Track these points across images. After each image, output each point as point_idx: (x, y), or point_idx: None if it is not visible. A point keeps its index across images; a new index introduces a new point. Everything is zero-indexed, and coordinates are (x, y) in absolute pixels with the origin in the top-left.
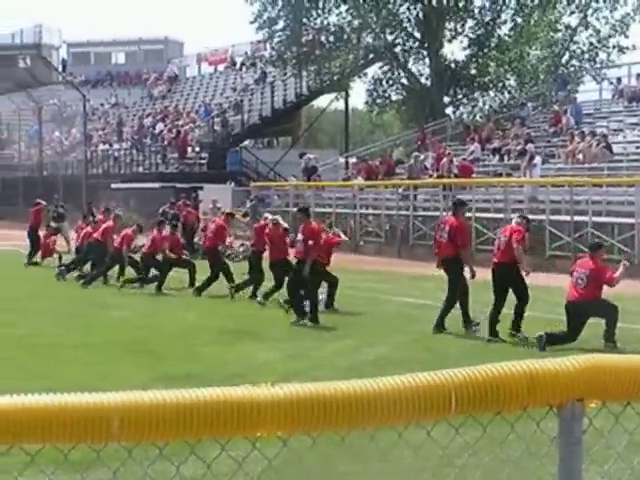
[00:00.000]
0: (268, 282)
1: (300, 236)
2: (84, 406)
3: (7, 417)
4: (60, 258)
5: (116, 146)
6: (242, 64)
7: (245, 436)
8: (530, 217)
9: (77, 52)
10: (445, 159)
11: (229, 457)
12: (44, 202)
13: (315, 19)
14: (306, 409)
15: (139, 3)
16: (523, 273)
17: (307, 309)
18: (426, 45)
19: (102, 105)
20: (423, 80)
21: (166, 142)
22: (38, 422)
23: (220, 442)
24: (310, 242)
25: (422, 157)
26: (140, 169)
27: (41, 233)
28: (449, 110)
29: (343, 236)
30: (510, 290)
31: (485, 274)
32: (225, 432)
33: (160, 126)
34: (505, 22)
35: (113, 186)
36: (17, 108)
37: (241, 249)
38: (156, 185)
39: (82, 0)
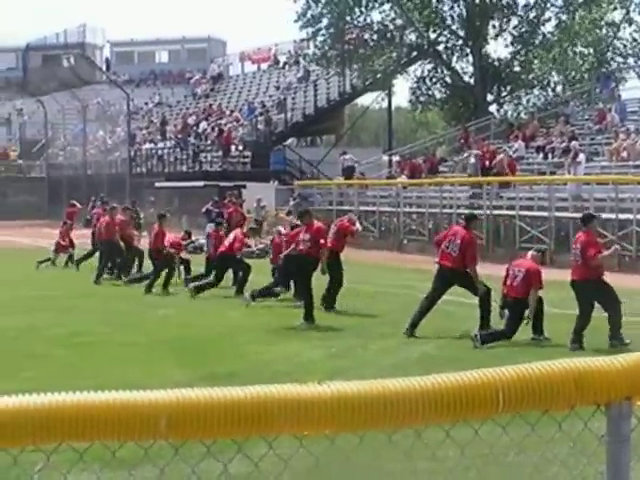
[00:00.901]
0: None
1: (307, 236)
2: (132, 404)
3: (55, 415)
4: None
5: (160, 145)
6: (285, 62)
7: (292, 434)
8: (574, 215)
9: (121, 51)
10: (502, 155)
11: (276, 455)
12: (79, 204)
13: (358, 17)
14: (353, 407)
15: (182, 2)
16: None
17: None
18: (470, 43)
19: (146, 104)
20: (467, 78)
21: (209, 141)
22: (87, 420)
23: (267, 440)
24: (322, 241)
25: (466, 155)
26: (184, 168)
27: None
28: (493, 108)
29: (358, 225)
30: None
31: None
32: (272, 430)
33: (204, 125)
34: (549, 19)
35: (157, 185)
36: (61, 108)
37: (260, 245)
38: (200, 184)
39: (125, 0)
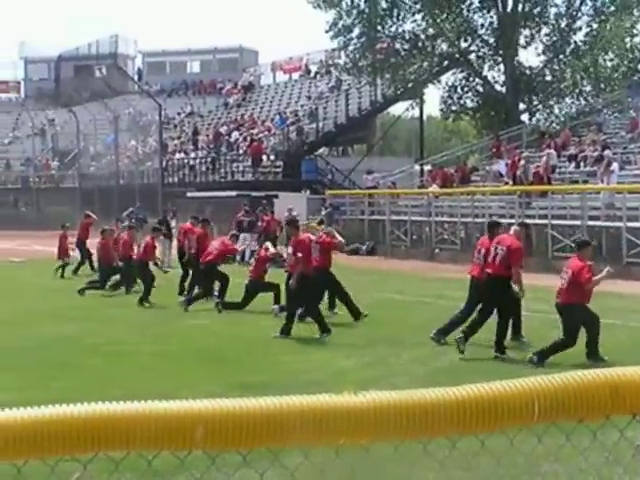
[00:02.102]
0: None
1: (290, 249)
2: (168, 414)
3: (92, 425)
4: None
5: (192, 155)
6: (317, 72)
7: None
8: (607, 224)
9: (152, 61)
10: (545, 157)
11: (311, 464)
12: (94, 215)
13: (390, 27)
14: (389, 417)
15: (214, 12)
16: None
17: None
18: (501, 52)
19: (178, 114)
20: (498, 87)
21: (241, 150)
22: (122, 429)
23: (303, 449)
24: (299, 254)
25: (495, 164)
26: (216, 177)
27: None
28: (524, 117)
29: (339, 237)
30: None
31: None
32: (308, 440)
33: (235, 135)
34: (580, 28)
35: (189, 195)
36: (93, 118)
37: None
38: (232, 193)
39: (157, 10)
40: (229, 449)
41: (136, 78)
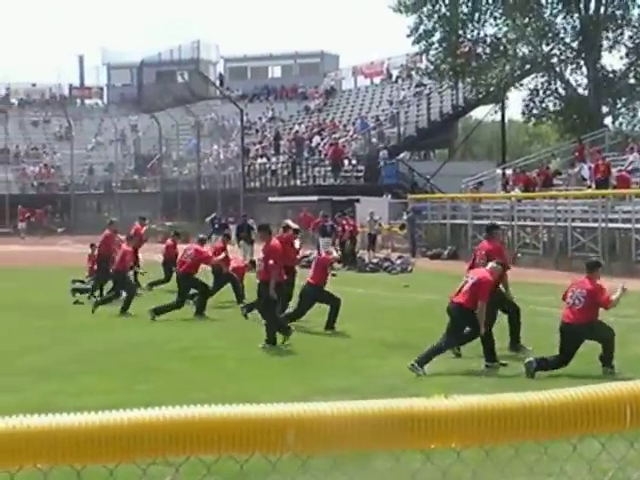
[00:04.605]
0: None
1: (260, 255)
2: (260, 417)
3: (185, 428)
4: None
5: (273, 159)
6: (398, 76)
7: (419, 448)
8: None
9: (234, 67)
10: (629, 161)
11: (403, 468)
12: (114, 223)
13: (471, 31)
14: (479, 421)
15: (295, 17)
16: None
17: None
18: (583, 55)
19: (259, 119)
20: (581, 90)
21: (323, 155)
22: (214, 432)
23: (394, 453)
24: (270, 261)
25: (577, 168)
26: (297, 182)
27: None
28: (607, 120)
29: (335, 253)
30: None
31: None
32: (399, 444)
33: (317, 139)
34: None
35: (270, 199)
36: (175, 123)
37: (398, 261)
38: (313, 198)
39: (239, 16)
40: (320, 452)
41: (218, 83)
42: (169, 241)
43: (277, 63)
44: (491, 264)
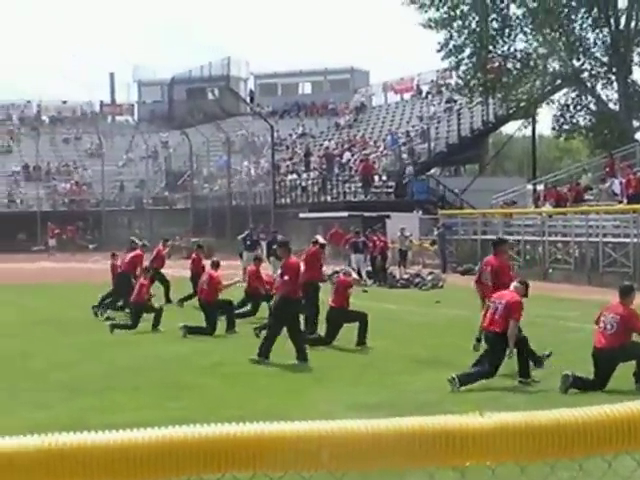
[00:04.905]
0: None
1: (279, 271)
2: (295, 435)
3: (219, 446)
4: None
5: (304, 176)
6: (428, 92)
7: (453, 465)
8: None
9: (264, 83)
10: None
11: None
12: (140, 243)
13: (501, 46)
14: (514, 438)
15: (325, 34)
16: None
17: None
18: (614, 70)
19: (289, 135)
20: (611, 105)
21: (353, 171)
22: (249, 450)
23: (427, 470)
24: (286, 277)
25: (608, 184)
26: (327, 198)
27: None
28: (638, 135)
29: (355, 275)
30: None
31: None
32: (433, 461)
33: (347, 155)
34: None
35: (301, 215)
36: (206, 140)
37: (429, 277)
38: (344, 214)
39: (269, 32)
40: (354, 470)
41: (248, 100)
42: (194, 255)
43: (307, 79)
44: (514, 284)
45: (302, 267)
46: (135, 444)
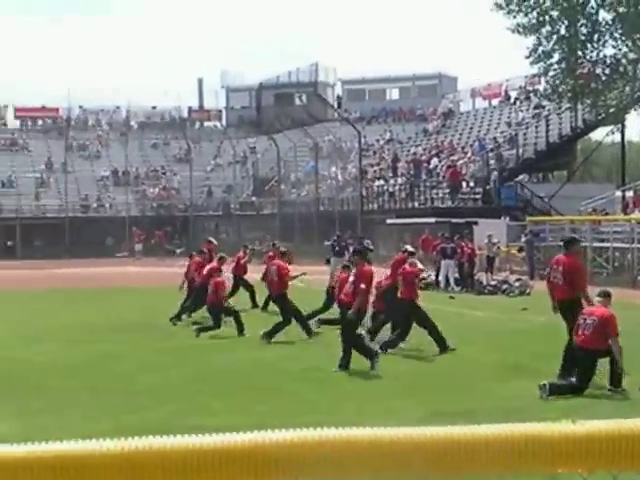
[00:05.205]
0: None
1: (351, 278)
2: (380, 440)
3: (304, 451)
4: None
5: (391, 181)
6: (516, 98)
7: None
8: None
9: (352, 89)
10: None
11: None
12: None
13: (590, 52)
14: (607, 445)
15: (413, 39)
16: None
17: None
18: None
19: (377, 141)
20: None
21: (440, 177)
22: (345, 454)
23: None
24: (362, 286)
25: None
26: (415, 204)
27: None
28: None
29: (420, 265)
30: None
31: None
32: (522, 468)
33: (434, 161)
34: None
35: (388, 221)
36: (294, 145)
37: (517, 284)
38: (431, 220)
39: (357, 38)
40: (444, 476)
41: (336, 105)
42: (270, 253)
43: (395, 85)
44: (598, 299)
45: (388, 273)
46: (222, 447)
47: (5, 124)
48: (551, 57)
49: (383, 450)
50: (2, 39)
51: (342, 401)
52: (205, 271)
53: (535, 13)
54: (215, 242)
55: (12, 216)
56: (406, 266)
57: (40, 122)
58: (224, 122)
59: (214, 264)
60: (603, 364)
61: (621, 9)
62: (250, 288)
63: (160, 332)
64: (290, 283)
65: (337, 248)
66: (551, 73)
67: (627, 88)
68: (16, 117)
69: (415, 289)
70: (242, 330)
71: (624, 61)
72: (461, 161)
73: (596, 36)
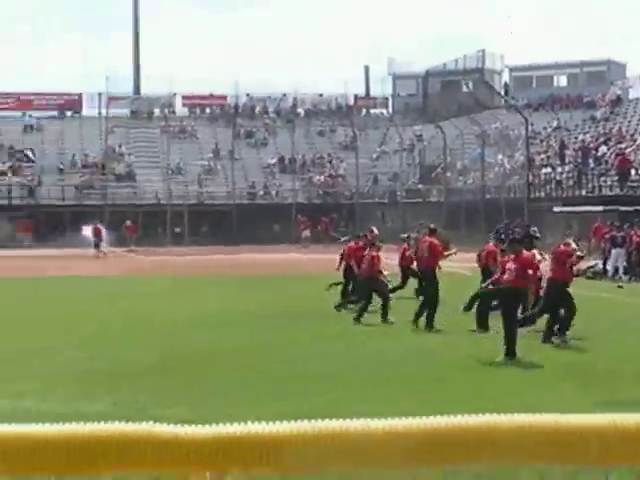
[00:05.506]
0: None
1: (513, 265)
2: (559, 426)
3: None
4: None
5: (558, 169)
6: None
7: None
8: None
9: (519, 76)
10: None
11: None
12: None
13: None
14: None
15: (582, 25)
16: None
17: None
18: None
19: (544, 128)
20: None
21: (609, 165)
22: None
23: None
24: (530, 271)
25: None
26: (582, 192)
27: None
28: None
29: (574, 245)
30: None
31: None
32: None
33: (603, 149)
34: None
35: (555, 209)
36: (460, 133)
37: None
38: (598, 208)
39: (525, 24)
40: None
41: (503, 93)
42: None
43: (563, 72)
44: None
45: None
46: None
47: (174, 112)
48: None
49: (567, 435)
50: (169, 31)
51: (509, 390)
52: (365, 262)
53: None
54: (377, 232)
55: (180, 202)
56: (561, 245)
57: (208, 110)
58: (390, 109)
59: (373, 253)
60: None
61: None
62: (418, 276)
63: (328, 319)
64: (440, 263)
65: (502, 236)
66: None
67: None
68: (184, 105)
69: (567, 271)
70: (386, 316)
71: None
72: (630, 149)
73: None
